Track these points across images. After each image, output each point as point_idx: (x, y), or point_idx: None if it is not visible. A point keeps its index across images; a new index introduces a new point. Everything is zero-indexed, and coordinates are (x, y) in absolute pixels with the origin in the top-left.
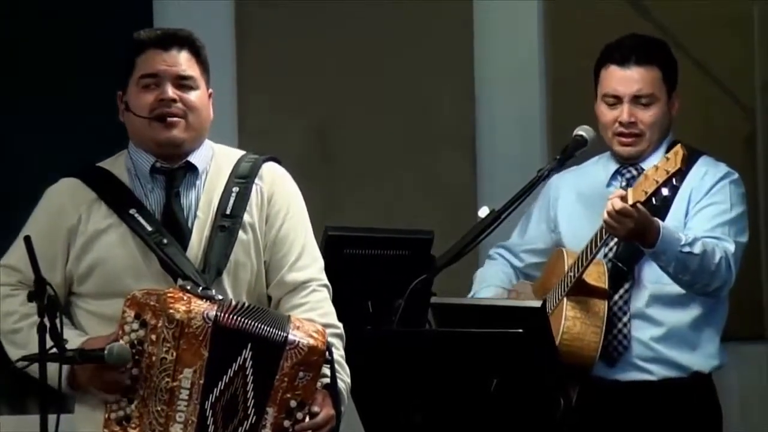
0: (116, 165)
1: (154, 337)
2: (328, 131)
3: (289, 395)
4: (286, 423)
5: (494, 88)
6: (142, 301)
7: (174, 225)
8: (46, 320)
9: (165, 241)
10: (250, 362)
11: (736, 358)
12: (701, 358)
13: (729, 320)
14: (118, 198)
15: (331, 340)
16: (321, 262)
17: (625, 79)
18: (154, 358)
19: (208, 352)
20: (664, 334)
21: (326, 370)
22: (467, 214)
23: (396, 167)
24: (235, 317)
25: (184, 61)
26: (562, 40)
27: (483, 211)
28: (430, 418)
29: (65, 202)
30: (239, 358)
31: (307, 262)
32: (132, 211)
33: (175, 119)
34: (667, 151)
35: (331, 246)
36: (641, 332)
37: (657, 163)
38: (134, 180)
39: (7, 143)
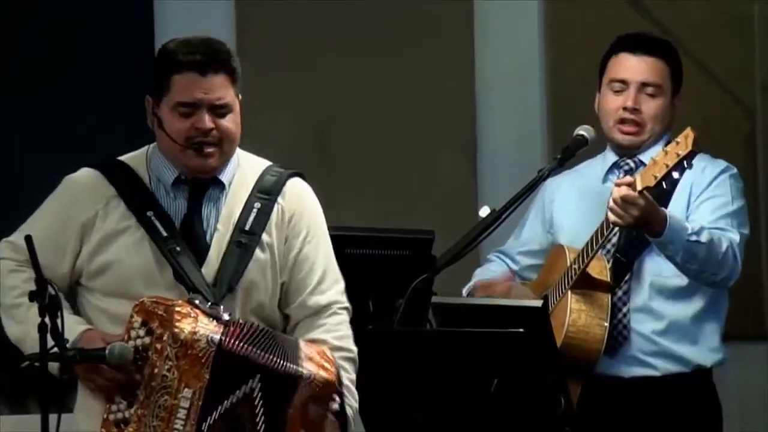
0: (139, 163)
1: (159, 346)
2: (328, 131)
3: (300, 428)
4: None
5: (494, 88)
6: (150, 309)
7: (193, 236)
8: (47, 320)
9: (179, 249)
10: (260, 393)
11: (737, 357)
12: (703, 351)
13: (730, 320)
14: (138, 198)
15: (342, 363)
16: (342, 284)
17: (634, 65)
18: (156, 371)
19: (210, 375)
20: (665, 327)
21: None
22: (468, 213)
23: (396, 167)
24: (240, 344)
25: (220, 86)
26: (562, 40)
27: (483, 211)
28: (430, 417)
29: (83, 194)
30: (245, 386)
31: (328, 285)
32: (150, 214)
33: (211, 149)
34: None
35: (332, 246)
36: (643, 326)
37: (666, 148)
38: (157, 184)
39: (7, 143)
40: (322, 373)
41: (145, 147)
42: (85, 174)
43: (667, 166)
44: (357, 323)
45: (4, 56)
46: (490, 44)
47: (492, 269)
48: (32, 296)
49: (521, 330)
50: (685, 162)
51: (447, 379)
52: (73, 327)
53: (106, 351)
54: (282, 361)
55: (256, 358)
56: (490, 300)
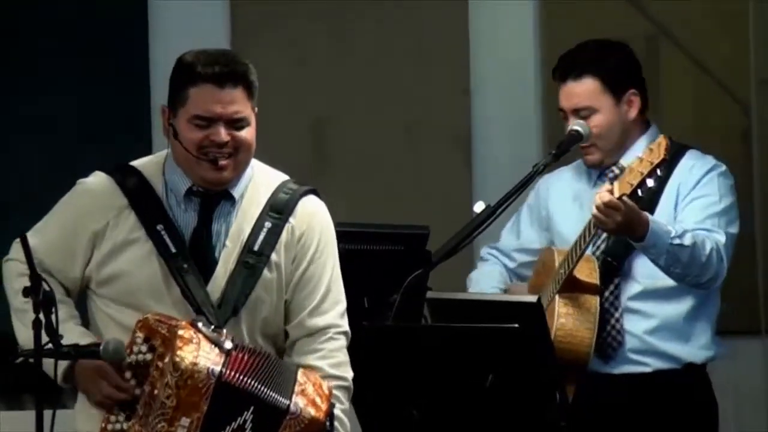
0: (154, 171)
1: (160, 365)
2: (324, 128)
3: None
4: None
5: (490, 85)
6: (153, 327)
7: (201, 251)
8: (41, 316)
9: (185, 266)
10: (250, 424)
11: (731, 353)
12: (694, 349)
13: (724, 314)
14: (148, 210)
15: (336, 393)
16: (343, 306)
17: (563, 94)
18: (156, 392)
19: (208, 406)
20: (656, 326)
21: None
22: (462, 209)
23: (392, 163)
24: (239, 376)
25: (238, 100)
26: (558, 36)
27: (478, 206)
28: (425, 413)
29: (96, 203)
30: (239, 418)
31: (327, 307)
32: (159, 227)
33: (225, 162)
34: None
35: None
36: (634, 326)
37: (641, 155)
38: (169, 195)
39: (7, 143)
40: (311, 410)
41: (163, 152)
42: (98, 181)
43: (641, 174)
44: (353, 319)
45: (3, 55)
46: (486, 41)
47: (488, 271)
48: (26, 292)
49: (516, 325)
50: (658, 170)
51: (442, 375)
52: (78, 339)
53: (101, 347)
54: (274, 393)
55: (252, 390)
56: (485, 295)
